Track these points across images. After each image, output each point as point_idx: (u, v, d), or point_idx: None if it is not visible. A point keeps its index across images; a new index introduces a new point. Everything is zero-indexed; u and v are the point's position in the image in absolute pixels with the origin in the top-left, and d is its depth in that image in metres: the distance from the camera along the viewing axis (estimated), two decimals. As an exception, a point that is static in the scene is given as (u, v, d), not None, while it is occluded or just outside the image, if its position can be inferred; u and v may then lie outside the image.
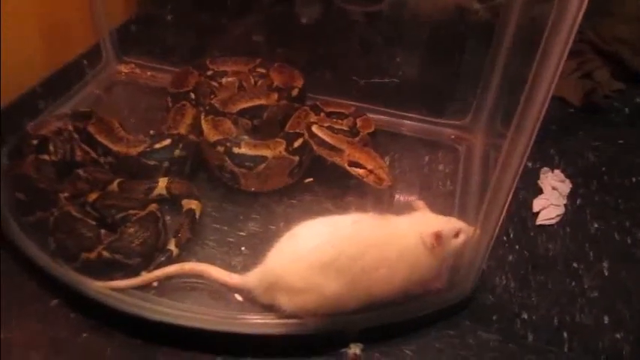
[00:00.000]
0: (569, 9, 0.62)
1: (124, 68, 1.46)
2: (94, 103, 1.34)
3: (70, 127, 1.11)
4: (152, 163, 1.08)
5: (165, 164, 1.09)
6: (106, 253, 0.91)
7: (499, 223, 0.83)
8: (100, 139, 1.09)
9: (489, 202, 0.82)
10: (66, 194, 0.98)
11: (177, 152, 1.10)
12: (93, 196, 1.00)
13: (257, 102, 1.19)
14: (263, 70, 1.31)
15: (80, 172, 1.06)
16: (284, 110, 1.20)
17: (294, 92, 1.22)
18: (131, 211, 0.98)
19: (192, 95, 1.22)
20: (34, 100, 1.24)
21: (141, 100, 1.38)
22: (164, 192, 1.07)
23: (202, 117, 1.12)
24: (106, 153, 1.09)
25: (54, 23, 1.27)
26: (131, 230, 0.94)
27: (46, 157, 1.07)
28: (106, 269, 0.91)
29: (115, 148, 1.08)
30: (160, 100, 1.29)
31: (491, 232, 0.85)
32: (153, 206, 0.99)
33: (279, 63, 1.31)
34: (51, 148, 1.09)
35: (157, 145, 1.08)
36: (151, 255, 0.94)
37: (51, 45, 1.27)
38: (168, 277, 0.93)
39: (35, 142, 1.07)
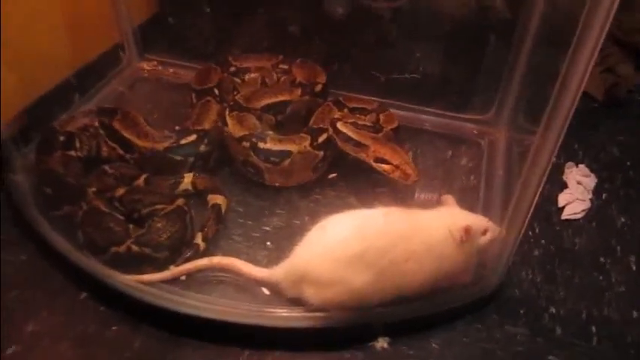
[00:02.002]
0: (602, 3, 0.61)
1: (146, 65, 1.47)
2: (117, 100, 1.35)
3: (96, 124, 1.12)
4: (178, 158, 1.09)
5: (191, 159, 1.10)
6: (134, 247, 0.92)
7: (527, 219, 0.83)
8: (126, 134, 1.10)
9: (517, 198, 0.82)
10: (94, 189, 0.99)
11: (202, 147, 1.11)
12: (120, 191, 1.01)
13: (281, 98, 1.19)
14: (285, 66, 1.31)
15: (106, 167, 1.07)
16: (307, 106, 1.20)
17: (318, 88, 1.23)
18: (158, 206, 0.99)
19: (217, 91, 1.23)
20: (59, 97, 1.25)
21: (163, 96, 1.39)
22: (189, 187, 1.08)
23: (227, 113, 1.13)
24: (131, 149, 1.10)
25: (78, 21, 1.28)
26: (159, 224, 0.94)
27: (72, 152, 1.09)
28: (135, 262, 0.92)
29: (140, 143, 1.09)
30: (183, 96, 1.30)
31: (519, 227, 0.85)
32: (180, 201, 1.00)
33: (301, 59, 1.31)
34: (77, 144, 1.10)
35: (183, 141, 1.09)
36: (179, 248, 0.95)
37: (75, 43, 1.28)
38: (196, 271, 0.93)
39: (62, 138, 1.09)
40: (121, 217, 0.96)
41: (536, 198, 0.80)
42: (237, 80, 1.31)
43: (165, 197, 1.02)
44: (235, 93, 1.27)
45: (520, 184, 0.80)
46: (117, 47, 1.43)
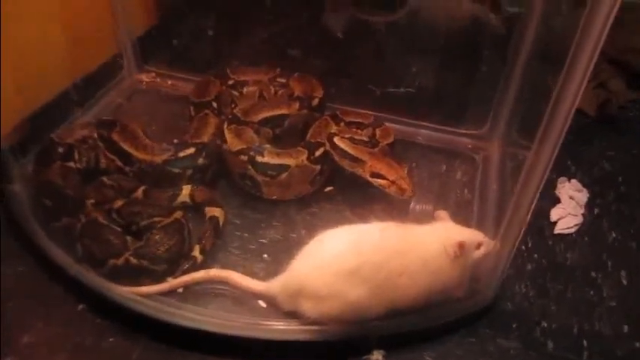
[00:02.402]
0: (595, 24, 0.63)
1: (145, 77, 1.49)
2: (115, 112, 1.36)
3: (95, 135, 1.13)
4: (176, 171, 1.10)
5: (189, 172, 1.11)
6: (133, 259, 0.92)
7: (521, 234, 0.84)
8: (125, 147, 1.11)
9: (511, 213, 0.83)
10: (92, 201, 1.00)
11: (200, 161, 1.12)
12: (119, 203, 1.02)
13: (278, 111, 1.20)
14: (283, 80, 1.32)
15: (105, 179, 1.08)
16: (305, 119, 1.22)
17: (315, 102, 1.24)
18: (156, 219, 1.00)
19: (215, 104, 1.24)
20: (57, 108, 1.26)
21: (162, 108, 1.40)
22: (187, 199, 1.09)
23: (225, 126, 1.14)
24: (130, 161, 1.11)
25: (77, 33, 1.29)
26: (157, 237, 0.95)
27: (71, 164, 1.10)
28: (133, 275, 0.93)
29: (139, 155, 1.10)
30: (181, 108, 1.31)
31: (513, 242, 0.86)
32: (178, 213, 1.01)
33: (298, 73, 1.33)
34: (76, 155, 1.11)
35: (182, 154, 1.10)
36: (177, 261, 0.96)
37: (74, 54, 1.29)
38: (194, 283, 0.94)
39: (61, 149, 1.10)
40: (119, 230, 0.97)
41: (530, 213, 0.81)
42: (235, 93, 1.32)
43: (164, 210, 1.03)
44: (233, 106, 1.28)
45: (514, 199, 0.81)
46: (116, 59, 1.44)
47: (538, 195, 0.79)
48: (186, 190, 1.09)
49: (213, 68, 1.38)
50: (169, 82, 1.48)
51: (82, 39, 1.32)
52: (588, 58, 0.66)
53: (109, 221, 0.98)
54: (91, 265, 0.95)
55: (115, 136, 1.12)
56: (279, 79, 1.33)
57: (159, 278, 0.94)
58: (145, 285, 0.92)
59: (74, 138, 1.12)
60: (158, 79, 1.49)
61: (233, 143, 1.10)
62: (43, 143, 1.12)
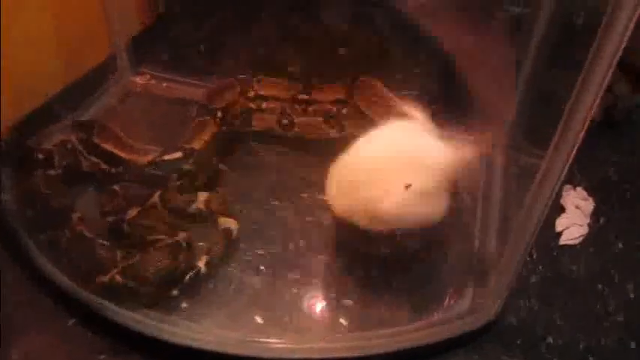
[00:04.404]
0: (617, 26, 0.60)
1: (139, 80, 1.44)
2: (108, 115, 1.32)
3: (73, 139, 1.09)
4: (160, 174, 1.06)
5: (174, 176, 1.07)
6: (118, 278, 0.88)
7: (529, 246, 0.81)
8: (108, 147, 1.07)
9: (520, 225, 0.80)
10: (78, 214, 0.96)
11: (186, 167, 1.07)
12: (132, 213, 0.99)
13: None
14: (305, 96, 1.23)
15: (116, 188, 1.04)
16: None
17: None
18: (160, 236, 0.95)
19: (220, 114, 1.18)
20: (48, 113, 1.22)
21: (157, 111, 1.36)
22: (203, 206, 1.04)
23: None
24: (116, 162, 1.07)
25: (69, 35, 1.26)
26: (149, 257, 0.91)
27: (52, 171, 1.05)
28: (119, 294, 0.89)
29: (124, 155, 1.06)
30: (177, 112, 1.28)
31: (521, 254, 0.83)
32: (182, 236, 0.95)
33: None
34: (56, 162, 1.07)
35: (167, 157, 1.06)
36: (167, 286, 0.91)
37: (66, 57, 1.26)
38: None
39: (40, 156, 1.05)
40: (106, 243, 0.93)
41: (540, 224, 0.78)
42: (253, 107, 1.24)
43: (172, 228, 0.98)
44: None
45: (524, 211, 0.78)
46: (109, 60, 1.41)
47: (549, 206, 0.76)
48: (202, 196, 1.05)
49: (208, 71, 1.34)
50: (164, 85, 1.44)
51: (74, 40, 1.28)
52: (608, 63, 0.62)
53: (95, 235, 0.93)
54: (78, 281, 0.91)
55: (96, 139, 1.08)
56: (300, 96, 1.23)
57: (147, 300, 0.90)
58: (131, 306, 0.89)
59: (52, 143, 1.08)
60: (153, 82, 1.44)
61: None
62: (22, 151, 1.07)
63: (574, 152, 0.71)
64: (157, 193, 1.03)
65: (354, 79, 1.23)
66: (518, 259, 0.85)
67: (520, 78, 1.19)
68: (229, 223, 1.02)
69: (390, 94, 1.19)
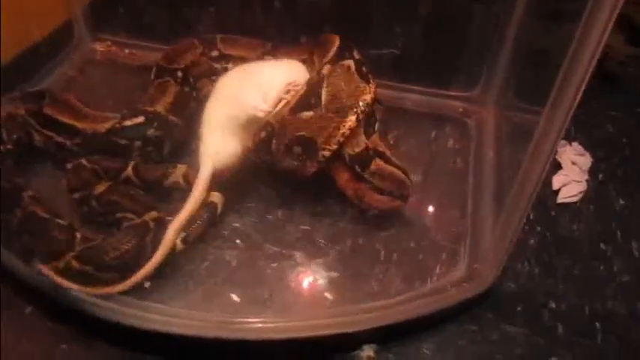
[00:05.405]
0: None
1: (99, 46, 1.33)
2: (67, 86, 1.21)
3: (22, 111, 0.99)
4: (123, 142, 0.97)
5: (138, 144, 0.98)
6: (74, 263, 0.79)
7: (528, 207, 0.74)
8: (62, 119, 0.97)
9: (519, 186, 0.73)
10: (30, 193, 0.87)
11: (151, 132, 0.98)
12: (100, 189, 0.90)
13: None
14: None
15: (84, 161, 0.94)
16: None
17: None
18: (129, 215, 0.87)
19: (180, 74, 1.09)
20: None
21: (119, 80, 1.26)
22: (181, 180, 0.96)
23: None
24: (71, 133, 0.97)
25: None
26: (111, 239, 0.81)
27: (0, 147, 0.95)
28: (78, 281, 0.78)
29: (80, 125, 0.96)
30: (141, 80, 1.16)
31: (520, 217, 0.75)
32: (151, 215, 0.86)
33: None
34: (4, 136, 0.97)
35: (128, 122, 0.97)
36: (129, 271, 0.81)
37: (15, 23, 1.15)
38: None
39: None
40: (64, 223, 0.83)
41: (539, 185, 0.71)
42: (218, 67, 1.15)
43: (141, 205, 0.89)
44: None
45: (522, 171, 0.71)
46: (65, 27, 1.29)
47: (548, 165, 0.69)
48: (180, 169, 0.96)
49: (174, 35, 1.24)
50: (127, 51, 1.33)
51: (26, 5, 1.17)
52: (609, 13, 0.57)
53: (52, 214, 0.84)
54: (32, 267, 0.81)
55: (48, 110, 0.98)
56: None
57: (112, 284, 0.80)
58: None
59: None
60: (114, 48, 1.33)
61: None
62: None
63: (573, 110, 0.65)
64: (131, 165, 0.94)
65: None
66: (517, 222, 0.77)
67: (508, 32, 1.10)
68: (213, 197, 0.93)
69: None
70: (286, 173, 0.94)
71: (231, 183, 0.97)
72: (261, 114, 0.91)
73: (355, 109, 0.91)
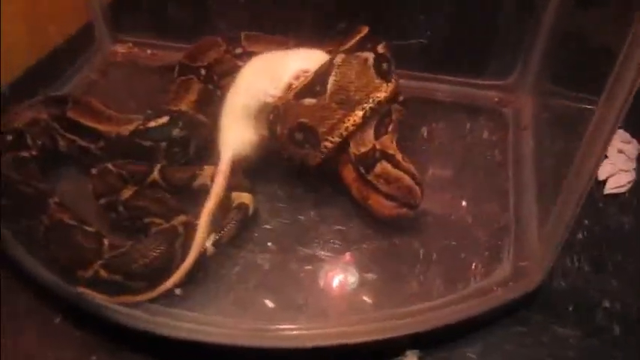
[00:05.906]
0: None
1: (120, 48, 1.31)
2: (89, 89, 1.20)
3: (45, 116, 0.98)
4: (147, 144, 0.94)
5: (163, 145, 0.95)
6: (102, 272, 0.76)
7: (581, 202, 0.69)
8: (86, 122, 0.95)
9: (572, 178, 0.68)
10: (56, 199, 0.85)
11: (176, 132, 0.96)
12: (127, 194, 0.88)
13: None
14: None
15: (110, 166, 0.92)
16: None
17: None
18: (157, 220, 0.84)
19: (203, 72, 1.07)
20: (20, 91, 1.09)
21: (141, 81, 1.23)
22: (208, 181, 0.92)
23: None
24: (95, 137, 0.95)
25: (39, 2, 1.14)
26: (139, 246, 0.79)
27: (25, 153, 0.94)
28: (106, 290, 0.77)
29: (104, 128, 0.94)
30: (163, 80, 1.14)
31: (572, 211, 0.70)
32: (180, 219, 0.83)
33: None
34: (29, 142, 0.95)
35: (153, 123, 0.94)
36: (159, 278, 0.78)
37: (36, 28, 1.14)
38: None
39: (10, 137, 0.93)
40: (92, 230, 0.81)
41: (593, 177, 0.66)
42: (241, 64, 1.10)
43: (169, 210, 0.86)
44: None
45: (576, 162, 0.66)
46: (86, 29, 1.27)
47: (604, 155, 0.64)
48: (207, 171, 0.93)
49: (197, 34, 1.21)
50: (148, 52, 1.31)
51: (46, 9, 1.16)
52: None
53: (78, 222, 0.82)
54: (59, 276, 0.79)
55: (71, 113, 0.96)
56: None
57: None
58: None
59: (22, 122, 0.96)
60: (135, 50, 1.31)
61: None
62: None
63: (632, 98, 0.60)
64: (157, 168, 0.92)
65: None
66: (569, 218, 0.72)
67: (546, 16, 1.05)
68: (244, 198, 0.90)
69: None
70: (292, 162, 0.93)
71: (261, 182, 0.94)
72: (270, 99, 0.90)
73: (363, 105, 0.87)
